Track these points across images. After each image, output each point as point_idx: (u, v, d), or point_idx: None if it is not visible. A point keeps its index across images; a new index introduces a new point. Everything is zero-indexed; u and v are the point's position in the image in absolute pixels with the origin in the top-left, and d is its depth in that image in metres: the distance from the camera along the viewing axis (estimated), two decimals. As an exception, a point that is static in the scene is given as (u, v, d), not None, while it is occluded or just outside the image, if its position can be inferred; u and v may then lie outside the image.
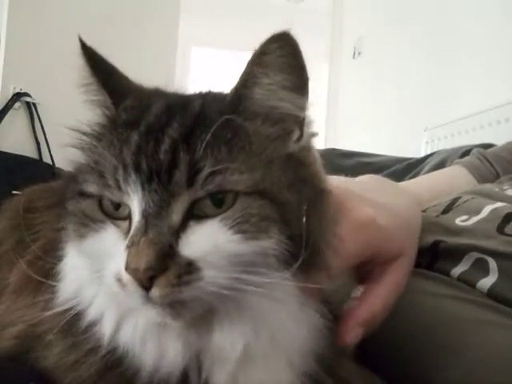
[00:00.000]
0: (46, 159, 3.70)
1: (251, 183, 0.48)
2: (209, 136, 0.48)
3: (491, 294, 0.69)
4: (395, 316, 0.68)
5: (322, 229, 0.52)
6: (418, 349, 0.65)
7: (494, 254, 0.72)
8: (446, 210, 0.90)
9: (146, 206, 0.47)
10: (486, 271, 0.71)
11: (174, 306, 0.47)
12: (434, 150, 2.12)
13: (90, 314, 0.54)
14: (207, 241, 0.47)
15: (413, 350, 0.66)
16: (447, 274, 0.76)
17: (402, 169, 1.81)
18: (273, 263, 0.48)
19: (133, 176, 0.48)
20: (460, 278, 0.74)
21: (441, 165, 1.63)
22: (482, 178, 1.07)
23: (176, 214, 0.47)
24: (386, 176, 1.72)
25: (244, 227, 0.47)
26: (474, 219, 0.82)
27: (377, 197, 0.67)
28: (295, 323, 0.52)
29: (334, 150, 2.34)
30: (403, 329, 0.68)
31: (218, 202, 0.48)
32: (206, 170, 0.47)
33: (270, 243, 0.48)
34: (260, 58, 0.51)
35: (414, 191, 0.98)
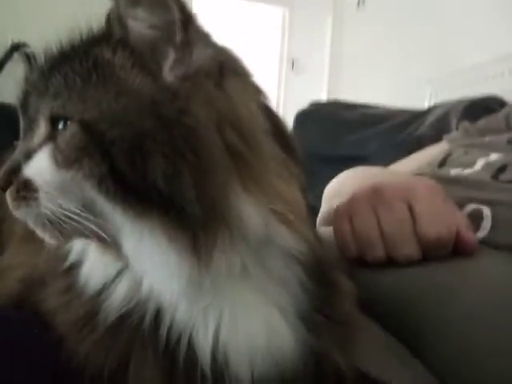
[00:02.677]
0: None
1: (74, 111, 0.49)
2: (59, 67, 0.51)
3: (486, 241, 0.70)
4: (395, 269, 0.69)
5: (183, 172, 0.47)
6: (417, 292, 0.67)
7: (489, 202, 0.73)
8: (441, 165, 0.91)
9: (21, 129, 0.54)
10: (480, 220, 0.72)
11: (36, 224, 0.51)
12: (438, 101, 2.11)
13: (73, 254, 0.57)
14: (37, 165, 0.50)
15: (413, 297, 0.67)
16: None
17: (405, 121, 1.80)
18: (98, 200, 0.48)
19: (17, 104, 0.55)
20: None
21: (444, 117, 1.62)
22: None
23: (36, 138, 0.51)
24: (388, 127, 1.72)
25: (56, 155, 0.49)
26: (469, 171, 0.82)
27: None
28: (166, 276, 0.49)
29: (336, 101, 2.33)
30: (401, 278, 0.69)
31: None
32: (46, 96, 0.51)
33: (80, 174, 0.47)
34: None
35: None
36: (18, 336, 0.54)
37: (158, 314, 0.51)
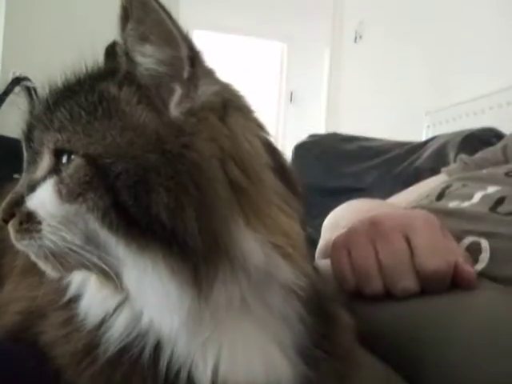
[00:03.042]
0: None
1: (79, 145, 0.49)
2: (64, 100, 0.52)
3: (484, 273, 0.70)
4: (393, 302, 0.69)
5: (185, 206, 0.47)
6: (416, 328, 0.66)
7: (487, 235, 0.72)
8: (439, 198, 0.91)
9: (25, 161, 0.54)
10: (478, 252, 0.72)
11: (38, 256, 0.51)
12: (436, 134, 2.12)
13: (73, 287, 0.56)
14: (40, 197, 0.50)
15: (412, 332, 0.66)
16: None
17: (403, 153, 1.81)
18: (102, 233, 0.48)
19: (22, 137, 0.55)
20: None
21: (441, 149, 1.63)
22: None
23: (40, 170, 0.52)
24: (386, 160, 1.73)
25: (60, 188, 0.49)
26: (467, 203, 0.83)
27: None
28: (167, 309, 0.49)
29: (334, 134, 2.35)
30: (398, 312, 0.68)
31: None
32: (51, 129, 0.51)
33: (83, 208, 0.48)
34: (120, 11, 0.50)
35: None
36: (17, 369, 0.53)
37: (157, 347, 0.50)
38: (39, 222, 0.49)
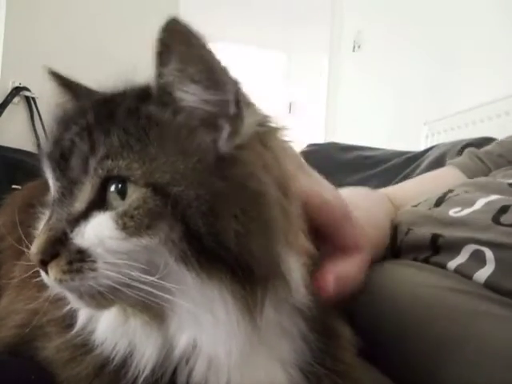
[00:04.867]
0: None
1: (140, 173, 0.46)
2: (108, 124, 0.48)
3: (488, 284, 0.69)
4: (392, 308, 0.68)
5: (252, 232, 0.47)
6: (417, 343, 0.65)
7: (491, 245, 0.72)
8: (438, 203, 0.90)
9: (54, 192, 0.50)
10: (482, 262, 0.71)
11: (81, 295, 0.47)
12: (434, 143, 2.12)
13: (72, 307, 0.55)
14: (95, 233, 0.46)
15: (411, 345, 0.65)
16: (443, 267, 0.76)
17: (401, 163, 1.81)
18: (171, 263, 0.46)
19: (46, 163, 0.51)
20: (456, 271, 0.74)
21: (440, 159, 1.63)
22: (473, 176, 1.07)
23: (80, 202, 0.48)
24: (385, 170, 1.72)
25: (126, 221, 0.45)
26: (468, 211, 0.81)
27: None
28: (234, 334, 0.48)
29: (333, 143, 2.35)
30: (401, 323, 0.67)
31: (123, 195, 0.47)
32: (97, 156, 0.47)
33: (155, 241, 0.45)
34: (157, 47, 0.48)
35: (399, 195, 1.01)
36: (15, 381, 0.53)
37: (174, 372, 0.50)
38: (94, 261, 0.46)
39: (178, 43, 0.47)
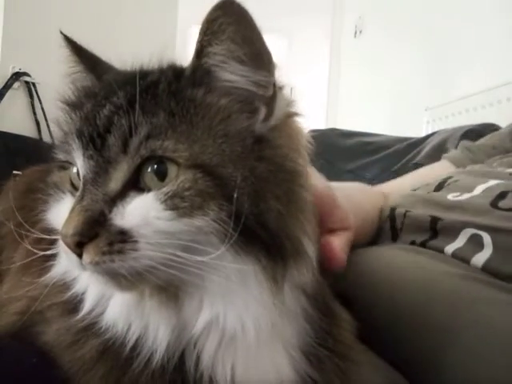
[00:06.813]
0: (46, 139, 3.69)
1: (188, 154, 0.46)
2: (149, 103, 0.48)
3: (486, 268, 0.69)
4: (391, 294, 0.69)
5: (290, 212, 0.49)
6: (415, 329, 0.65)
7: (489, 229, 0.72)
8: (438, 188, 0.90)
9: (85, 172, 0.48)
10: (480, 246, 0.71)
11: (114, 277, 0.46)
12: (435, 129, 2.12)
13: (77, 291, 0.54)
14: (139, 213, 0.45)
15: (410, 331, 0.66)
16: (441, 251, 0.76)
17: (403, 148, 1.81)
18: (214, 242, 0.46)
19: (76, 142, 0.49)
20: (454, 255, 0.74)
21: (442, 145, 1.63)
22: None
23: (115, 182, 0.47)
24: (386, 156, 1.72)
25: (176, 202, 0.45)
26: (467, 195, 0.82)
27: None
28: (263, 308, 0.49)
29: (334, 129, 2.34)
30: (399, 308, 0.68)
31: (161, 175, 0.46)
32: (140, 135, 0.46)
33: (205, 221, 0.45)
34: (206, 26, 0.48)
35: (395, 190, 1.03)
36: (16, 366, 0.53)
37: (182, 354, 0.50)
38: (136, 241, 0.44)
39: (233, 23, 0.47)
